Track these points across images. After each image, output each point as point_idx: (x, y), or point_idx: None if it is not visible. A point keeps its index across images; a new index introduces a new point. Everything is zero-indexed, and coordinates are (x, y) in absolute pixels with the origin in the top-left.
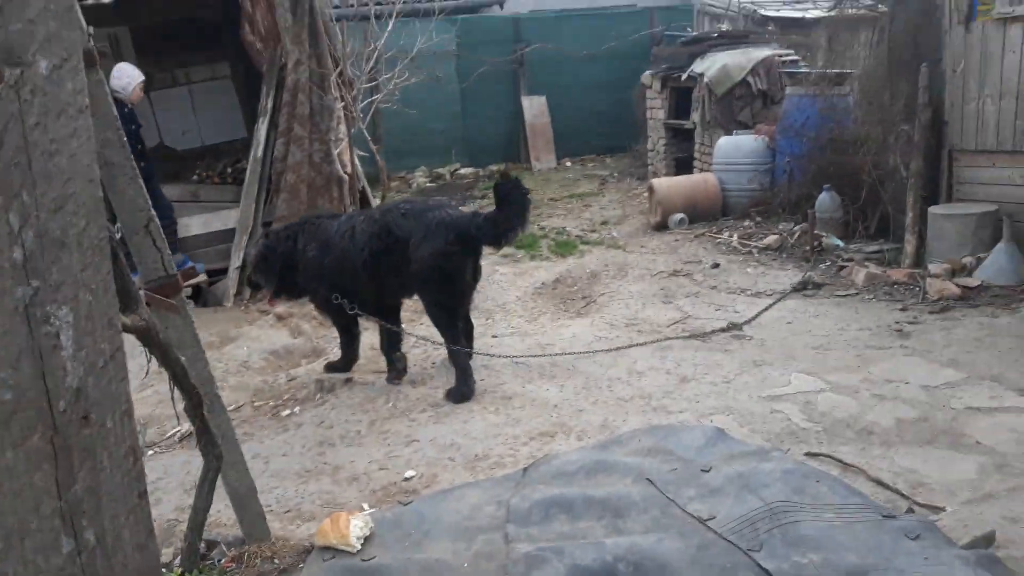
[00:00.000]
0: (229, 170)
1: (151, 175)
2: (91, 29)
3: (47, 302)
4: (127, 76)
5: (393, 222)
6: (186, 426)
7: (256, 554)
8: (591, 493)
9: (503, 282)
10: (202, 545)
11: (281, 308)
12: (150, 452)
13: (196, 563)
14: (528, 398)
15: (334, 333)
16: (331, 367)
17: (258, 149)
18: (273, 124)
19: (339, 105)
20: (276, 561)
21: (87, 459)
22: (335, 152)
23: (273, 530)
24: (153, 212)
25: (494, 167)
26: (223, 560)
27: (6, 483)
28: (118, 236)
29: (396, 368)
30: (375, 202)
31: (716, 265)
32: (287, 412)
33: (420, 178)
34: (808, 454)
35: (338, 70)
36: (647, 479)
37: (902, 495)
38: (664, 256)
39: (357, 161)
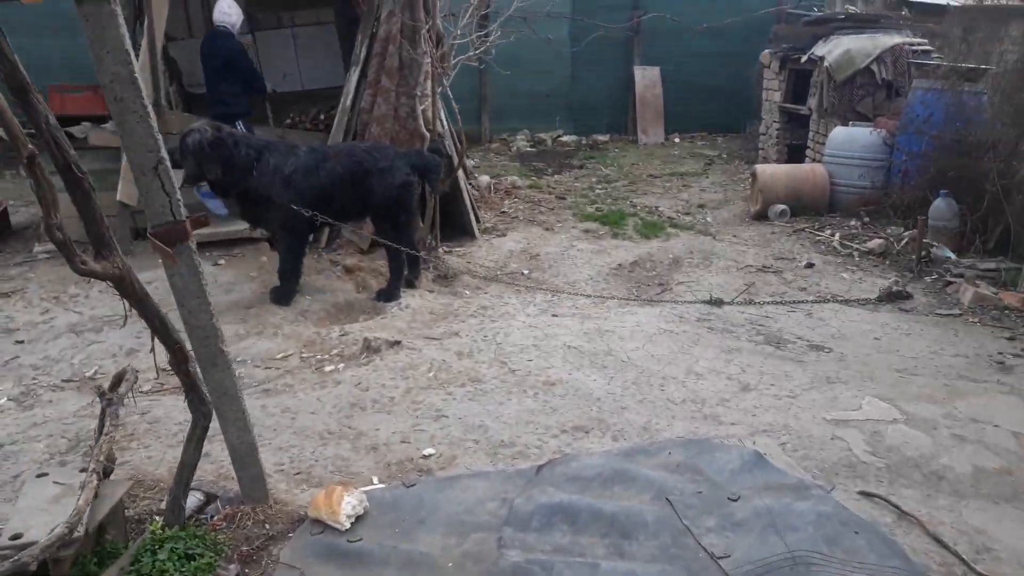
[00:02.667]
0: (322, 116)
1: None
2: None
3: None
4: (237, 12)
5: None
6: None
7: (249, 516)
8: (601, 506)
9: (578, 259)
10: (200, 497)
11: (351, 261)
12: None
13: (179, 519)
14: (572, 387)
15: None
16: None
17: (347, 99)
18: (364, 74)
19: (426, 60)
20: (267, 527)
21: None
22: (419, 108)
23: (278, 491)
24: (164, 154)
25: (598, 136)
26: (215, 517)
27: None
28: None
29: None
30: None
31: (811, 265)
32: (331, 368)
33: (521, 142)
34: (862, 493)
35: (429, 24)
36: (667, 499)
37: (961, 559)
38: (756, 249)
39: (443, 119)
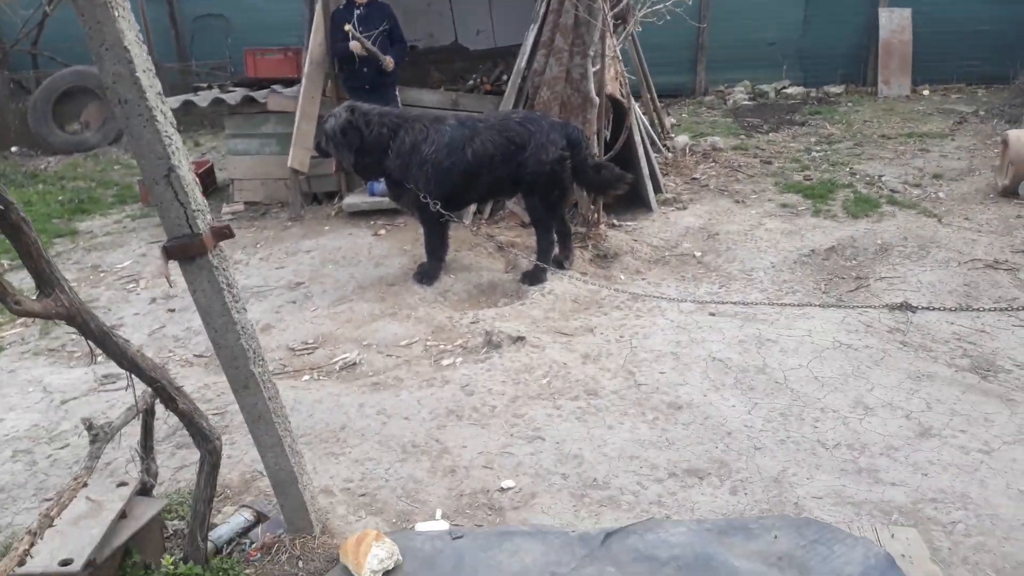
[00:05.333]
0: (505, 78)
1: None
2: None
3: None
4: None
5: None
6: (352, 355)
7: (285, 549)
8: None
9: (763, 241)
10: (249, 517)
11: (507, 236)
12: (305, 377)
13: (199, 556)
14: (701, 413)
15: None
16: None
17: (522, 59)
18: (540, 33)
19: (603, 16)
20: (301, 564)
21: None
22: (591, 70)
23: (334, 516)
24: (175, 161)
25: (830, 88)
26: (253, 545)
27: None
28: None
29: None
30: (641, 131)
31: None
32: (448, 362)
33: (739, 94)
34: None
35: None
36: None
37: None
38: (990, 238)
39: (624, 79)
